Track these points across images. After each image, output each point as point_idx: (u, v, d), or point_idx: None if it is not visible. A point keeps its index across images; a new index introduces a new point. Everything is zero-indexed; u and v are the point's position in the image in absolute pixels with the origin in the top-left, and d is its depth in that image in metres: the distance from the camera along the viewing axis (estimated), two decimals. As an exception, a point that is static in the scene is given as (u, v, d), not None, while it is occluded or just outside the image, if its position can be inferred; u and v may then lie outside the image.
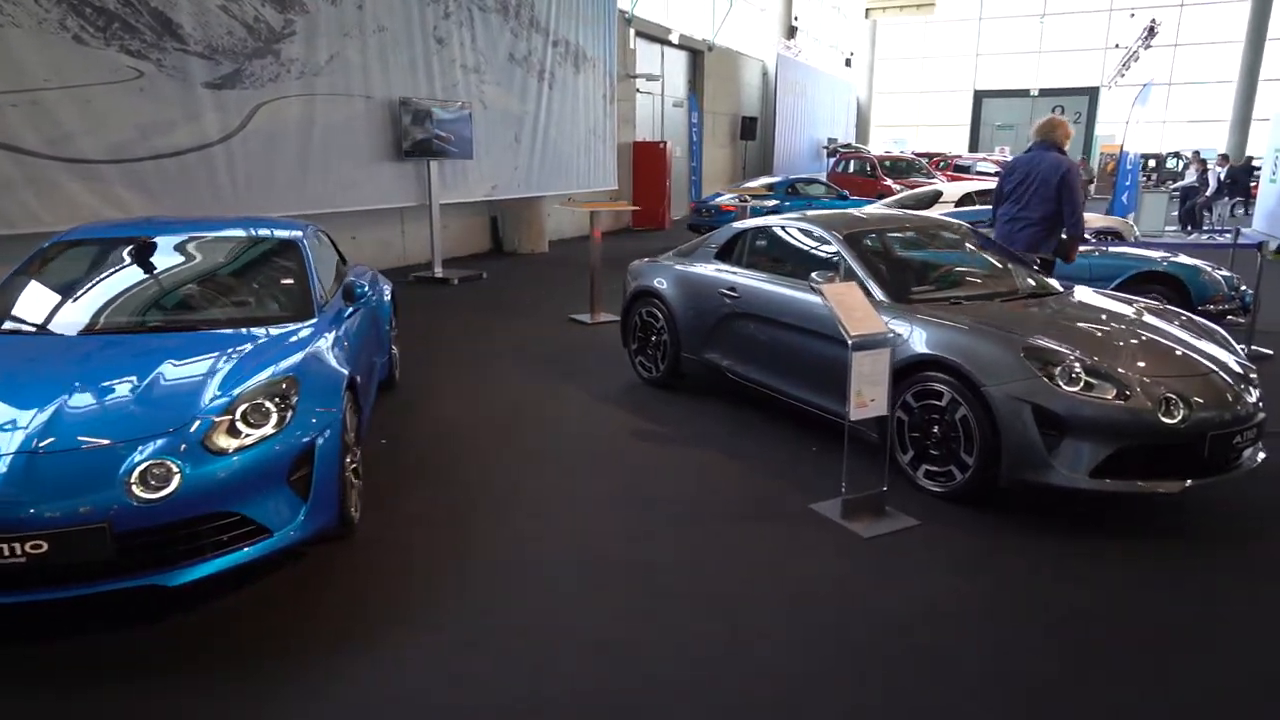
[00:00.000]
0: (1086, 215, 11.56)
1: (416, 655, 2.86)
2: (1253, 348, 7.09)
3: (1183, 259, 7.59)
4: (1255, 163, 20.17)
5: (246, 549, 2.96)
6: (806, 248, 5.15)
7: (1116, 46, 32.82)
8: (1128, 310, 4.58)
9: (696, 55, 22.24)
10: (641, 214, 18.59)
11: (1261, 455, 4.07)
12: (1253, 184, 18.68)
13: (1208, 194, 17.42)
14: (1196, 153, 18.86)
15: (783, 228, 5.36)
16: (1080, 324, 4.30)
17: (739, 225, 5.70)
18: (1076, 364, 3.79)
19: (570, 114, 14.31)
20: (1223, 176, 17.30)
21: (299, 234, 4.40)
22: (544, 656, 2.87)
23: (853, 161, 23.00)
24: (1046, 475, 3.75)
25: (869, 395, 3.83)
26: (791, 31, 27.86)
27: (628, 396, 5.88)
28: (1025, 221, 5.92)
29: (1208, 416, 3.71)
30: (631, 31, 18.14)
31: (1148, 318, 4.47)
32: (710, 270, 5.65)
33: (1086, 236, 8.40)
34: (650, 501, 4.15)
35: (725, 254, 5.68)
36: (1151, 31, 21.17)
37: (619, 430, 5.20)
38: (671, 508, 4.09)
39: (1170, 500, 3.91)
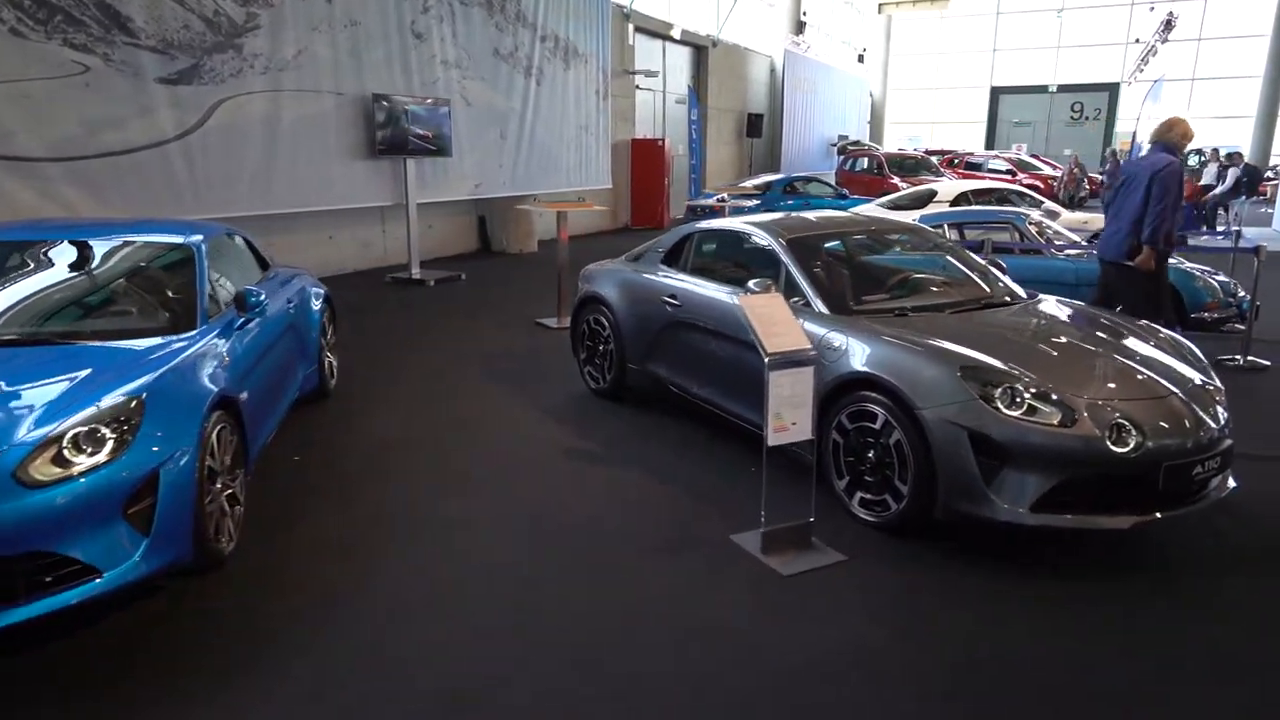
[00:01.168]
0: (1088, 215, 11.13)
1: (254, 712, 2.58)
2: (1249, 358, 6.68)
3: (1179, 263, 7.17)
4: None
5: (68, 592, 2.68)
6: (750, 253, 4.82)
7: (1137, 41, 32.04)
8: (1089, 323, 4.21)
9: (700, 51, 21.86)
10: (640, 212, 18.29)
11: (1231, 484, 3.70)
12: (1261, 183, 18.05)
13: (1216, 192, 16.82)
14: (1215, 150, 18.25)
15: (729, 231, 5.03)
16: (1032, 339, 3.95)
17: (687, 228, 5.38)
18: (1019, 385, 3.43)
19: (560, 111, 14.02)
20: (1240, 174, 16.70)
21: (197, 238, 4.13)
22: (395, 710, 2.58)
23: (861, 160, 22.55)
24: (984, 508, 3.40)
25: (790, 418, 3.50)
26: (800, 27, 27.37)
27: (572, 409, 5.58)
28: (1115, 228, 5.74)
29: (1163, 445, 3.35)
30: (630, 27, 17.80)
31: (1109, 332, 4.09)
32: (655, 276, 5.34)
33: (1078, 240, 8.01)
34: (563, 529, 3.85)
35: (672, 259, 5.36)
36: (1169, 24, 20.52)
37: (553, 447, 4.89)
38: (583, 536, 3.78)
39: (1123, 537, 3.54)
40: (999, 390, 3.42)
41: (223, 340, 3.72)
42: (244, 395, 3.68)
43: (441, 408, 5.63)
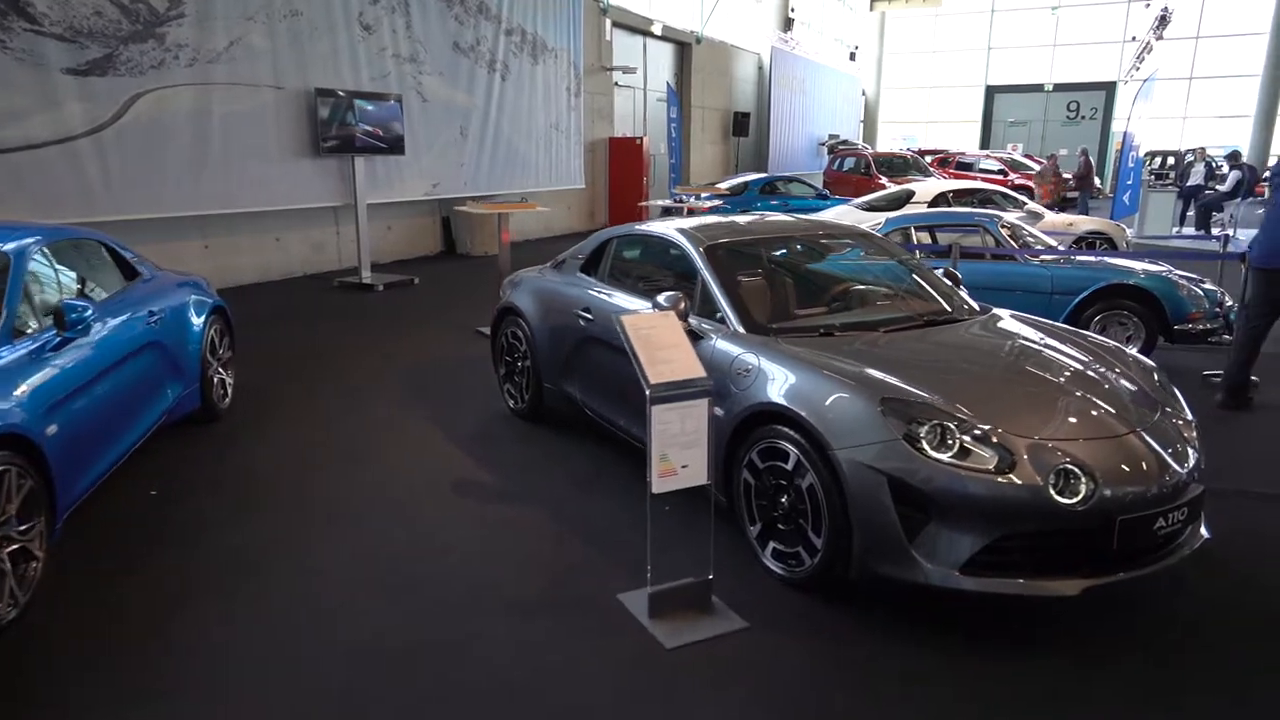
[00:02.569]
0: (1074, 217, 10.60)
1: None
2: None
3: (1161, 271, 6.63)
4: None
5: None
6: (670, 262, 4.28)
7: (1133, 39, 31.49)
8: (1044, 345, 3.67)
9: (683, 48, 21.32)
10: (619, 213, 17.72)
11: (1204, 534, 3.16)
12: (1259, 184, 17.51)
13: (1209, 193, 16.27)
14: (1203, 149, 17.70)
15: (649, 236, 4.48)
16: (974, 364, 3.41)
17: (607, 233, 4.84)
18: (951, 422, 2.90)
19: (527, 108, 13.49)
20: (1241, 174, 16.13)
21: (22, 243, 3.59)
22: None
23: (849, 159, 22.01)
24: (906, 569, 2.86)
25: (679, 460, 2.96)
26: (788, 24, 26.83)
27: (485, 432, 5.05)
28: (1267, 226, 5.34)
29: (1118, 494, 2.81)
30: (607, 22, 17.26)
31: (1066, 355, 3.55)
32: (571, 286, 4.80)
33: (1054, 244, 7.48)
34: (426, 582, 3.31)
35: (590, 267, 4.83)
36: (1164, 20, 19.95)
37: (448, 478, 4.35)
38: (448, 591, 3.24)
39: (1073, 602, 3.00)
40: (925, 428, 2.88)
41: (24, 363, 3.18)
42: (51, 429, 3.14)
43: (341, 430, 5.09)
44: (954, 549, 2.82)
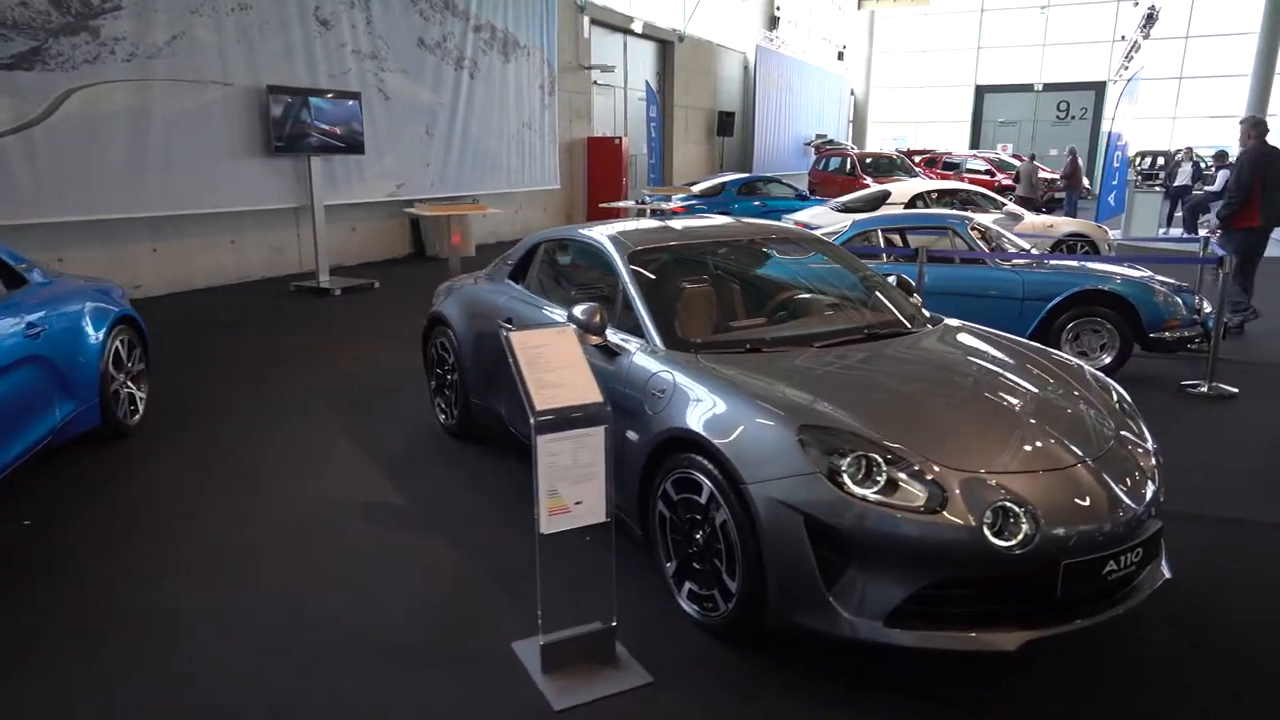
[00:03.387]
0: (1054, 219, 10.27)
1: None
2: (1214, 384, 5.82)
3: (1139, 276, 6.33)
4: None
5: None
6: (596, 268, 3.95)
7: (1122, 39, 31.28)
8: (994, 361, 3.34)
9: (665, 46, 21.00)
10: (597, 214, 17.39)
11: (1165, 574, 2.84)
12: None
13: (1195, 193, 16.01)
14: (1189, 149, 17.43)
15: (577, 241, 4.14)
16: (912, 384, 3.08)
17: (536, 236, 4.50)
18: (876, 453, 2.57)
19: (498, 106, 13.15)
20: (1228, 176, 15.84)
21: None
22: None
23: (834, 159, 21.72)
24: (824, 620, 2.53)
25: (572, 495, 2.63)
26: (774, 22, 26.53)
27: (410, 450, 4.71)
28: None
29: (1061, 536, 2.48)
30: (585, 19, 16.92)
31: (1017, 373, 3.23)
32: (497, 294, 4.48)
33: (1027, 248, 7.18)
34: (305, 627, 2.97)
35: (519, 274, 4.50)
36: (1150, 19, 19.67)
37: (357, 504, 4.01)
38: (329, 639, 2.91)
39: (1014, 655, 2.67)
40: (848, 460, 2.56)
41: None
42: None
43: (256, 447, 4.75)
44: (878, 598, 2.49)
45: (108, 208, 7.82)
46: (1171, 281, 6.43)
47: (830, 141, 26.52)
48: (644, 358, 3.26)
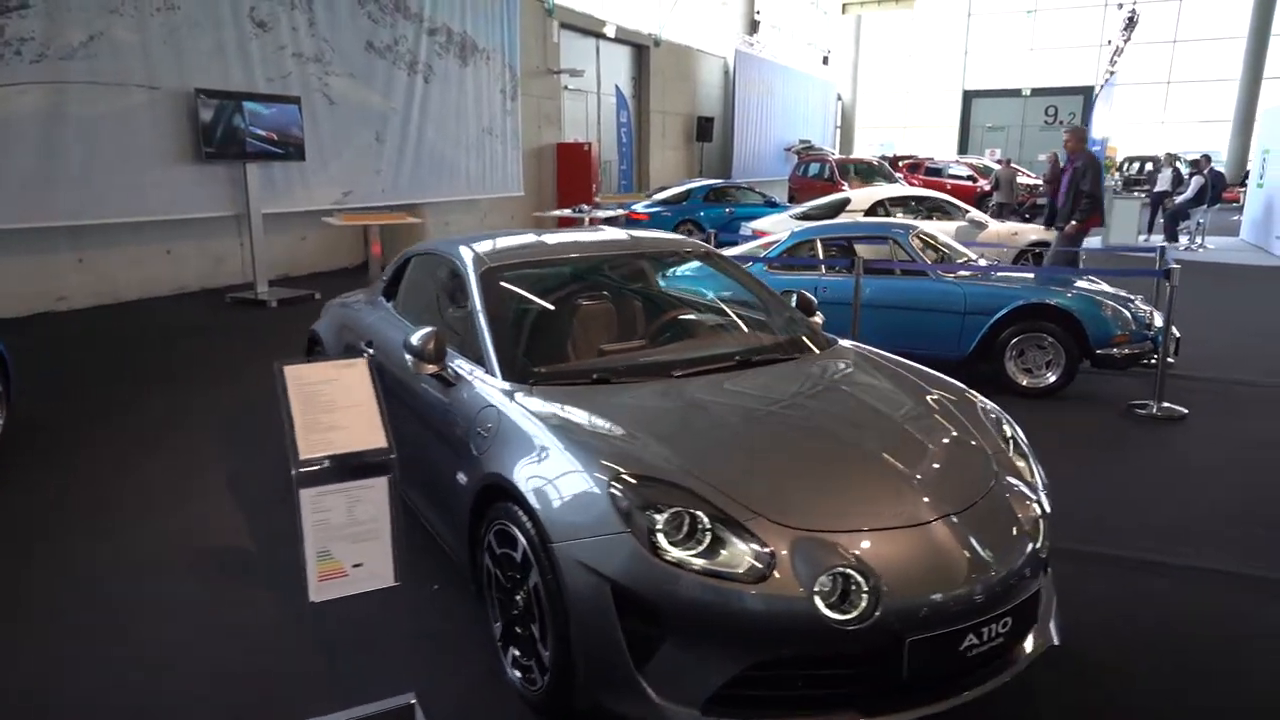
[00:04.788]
0: (1019, 226, 9.92)
1: None
2: (1164, 405, 5.46)
3: (1091, 289, 5.98)
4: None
5: None
6: (455, 286, 3.59)
7: (1109, 43, 31.02)
8: (872, 392, 2.98)
9: (641, 51, 20.68)
10: (567, 221, 17.05)
11: (1053, 640, 2.48)
12: (1228, 189, 16.94)
13: (1179, 199, 15.68)
14: (1170, 155, 17.11)
15: (440, 256, 3.77)
16: (767, 422, 2.72)
17: (409, 250, 4.14)
18: (700, 509, 2.21)
19: (455, 111, 12.80)
20: (1204, 180, 15.54)
21: None
22: None
23: (814, 165, 21.39)
24: (634, 704, 2.17)
25: (350, 557, 2.26)
26: (754, 26, 26.24)
27: (285, 483, 4.32)
28: None
29: (906, 608, 2.12)
30: (554, 23, 16.60)
31: (892, 408, 2.86)
32: (366, 312, 4.13)
33: (975, 257, 6.85)
34: (81, 695, 2.60)
35: (391, 290, 4.14)
36: (1131, 22, 19.41)
37: (198, 544, 3.65)
38: (102, 704, 2.54)
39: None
40: (665, 517, 2.19)
41: None
42: None
43: (116, 480, 4.37)
44: (696, 679, 2.13)
45: (16, 216, 7.46)
46: (1122, 294, 6.08)
47: (811, 147, 26.20)
48: (479, 389, 2.90)
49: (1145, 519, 3.91)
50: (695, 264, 3.89)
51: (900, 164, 24.59)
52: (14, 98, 7.31)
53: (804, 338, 3.43)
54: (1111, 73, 24.31)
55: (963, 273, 6.25)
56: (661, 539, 2.17)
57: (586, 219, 10.23)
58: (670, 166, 22.29)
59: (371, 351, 3.73)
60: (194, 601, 3.21)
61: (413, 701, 2.44)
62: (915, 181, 22.61)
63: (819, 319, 3.80)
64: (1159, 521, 3.88)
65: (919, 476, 2.45)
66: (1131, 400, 5.65)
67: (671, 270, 3.86)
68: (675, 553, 2.15)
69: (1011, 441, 2.87)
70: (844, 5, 30.53)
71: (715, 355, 3.14)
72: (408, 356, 2.99)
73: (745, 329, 3.49)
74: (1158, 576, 3.37)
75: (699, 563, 2.14)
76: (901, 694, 2.16)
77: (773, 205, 14.39)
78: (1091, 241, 15.66)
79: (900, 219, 10.43)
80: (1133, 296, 6.11)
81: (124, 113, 8.22)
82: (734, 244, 7.70)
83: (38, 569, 3.44)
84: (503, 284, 3.28)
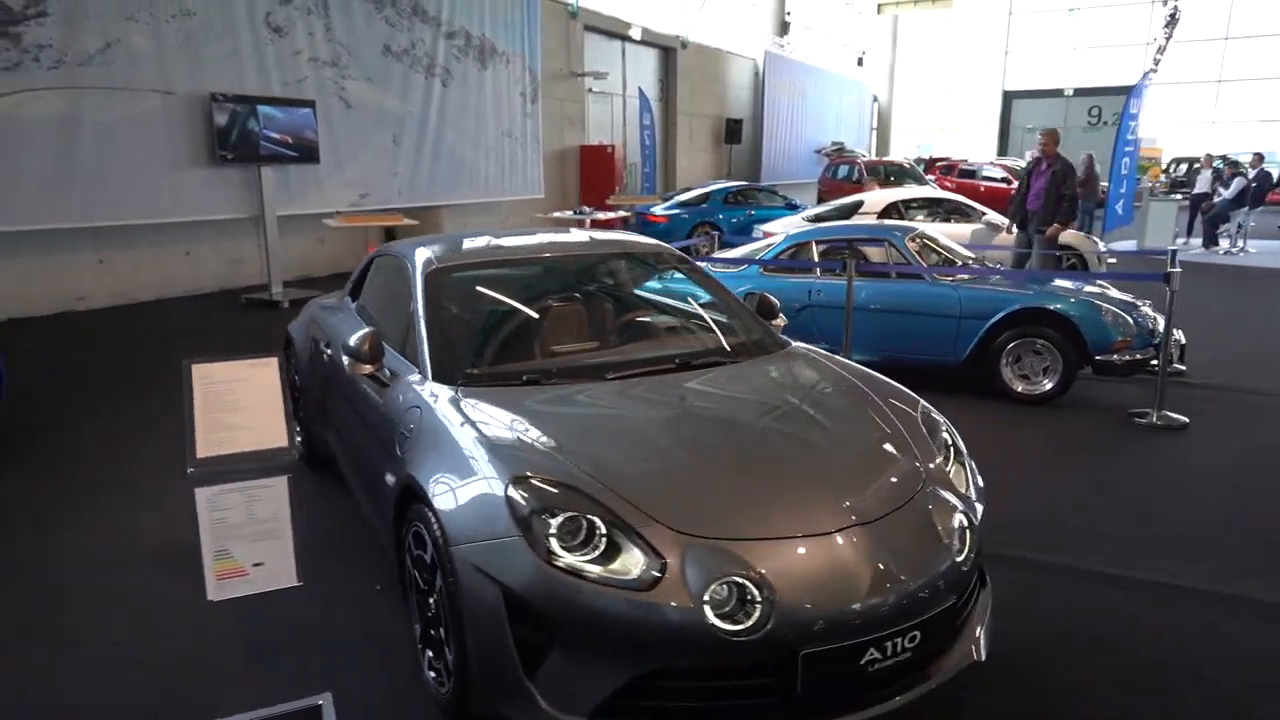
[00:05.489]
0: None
1: None
2: (1163, 414, 5.27)
3: (1090, 291, 5.81)
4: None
5: None
6: (405, 286, 3.58)
7: (1153, 41, 30.20)
8: (807, 395, 2.90)
9: (668, 53, 20.65)
10: (597, 224, 17.07)
11: (979, 656, 2.38)
12: (1273, 191, 16.35)
13: (1218, 201, 15.18)
14: (1209, 156, 16.56)
15: (393, 255, 3.76)
16: (687, 426, 2.65)
17: (376, 251, 4.15)
18: (596, 514, 2.16)
19: (474, 114, 12.89)
20: (1245, 181, 15.01)
21: None
22: None
23: (843, 167, 21.14)
24: (523, 711, 2.13)
25: (249, 556, 2.26)
26: (784, 28, 26.04)
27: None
28: None
29: (798, 619, 2.05)
30: (578, 26, 16.64)
31: (823, 413, 2.78)
32: (331, 313, 4.15)
33: (970, 258, 6.69)
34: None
35: (356, 291, 4.16)
36: (1173, 19, 18.81)
37: (151, 546, 3.69)
38: (25, 702, 2.57)
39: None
40: (558, 522, 2.15)
41: None
42: None
43: (85, 481, 4.45)
44: (584, 688, 2.09)
45: (32, 218, 7.68)
46: (1128, 299, 5.88)
47: (839, 149, 25.91)
48: (410, 389, 2.89)
49: (1122, 531, 3.76)
50: (654, 266, 3.84)
51: (934, 166, 24.24)
52: (32, 103, 7.52)
53: (752, 341, 3.35)
54: (1154, 70, 23.60)
55: (960, 276, 6.09)
56: (555, 544, 2.13)
57: (588, 220, 10.21)
58: (698, 169, 22.21)
59: (329, 352, 3.75)
60: (138, 598, 3.24)
61: (320, 703, 2.43)
62: (949, 184, 22.24)
63: (780, 322, 3.74)
64: (1135, 535, 3.73)
65: (833, 485, 2.38)
66: (1131, 409, 5.45)
67: (628, 272, 3.81)
68: (569, 558, 2.11)
69: (952, 450, 2.77)
70: (879, 5, 30.15)
71: (654, 358, 3.08)
72: (344, 357, 2.99)
73: (693, 332, 3.44)
74: (1120, 590, 3.23)
75: (592, 569, 2.09)
76: (798, 708, 2.09)
77: (793, 208, 14.23)
78: (1125, 244, 15.25)
79: (920, 221, 10.26)
80: (1140, 301, 5.91)
81: (140, 117, 8.41)
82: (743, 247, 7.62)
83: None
84: (446, 285, 3.27)
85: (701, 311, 3.56)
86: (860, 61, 32.27)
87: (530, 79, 14.08)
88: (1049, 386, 5.58)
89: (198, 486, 2.18)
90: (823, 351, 3.40)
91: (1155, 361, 5.44)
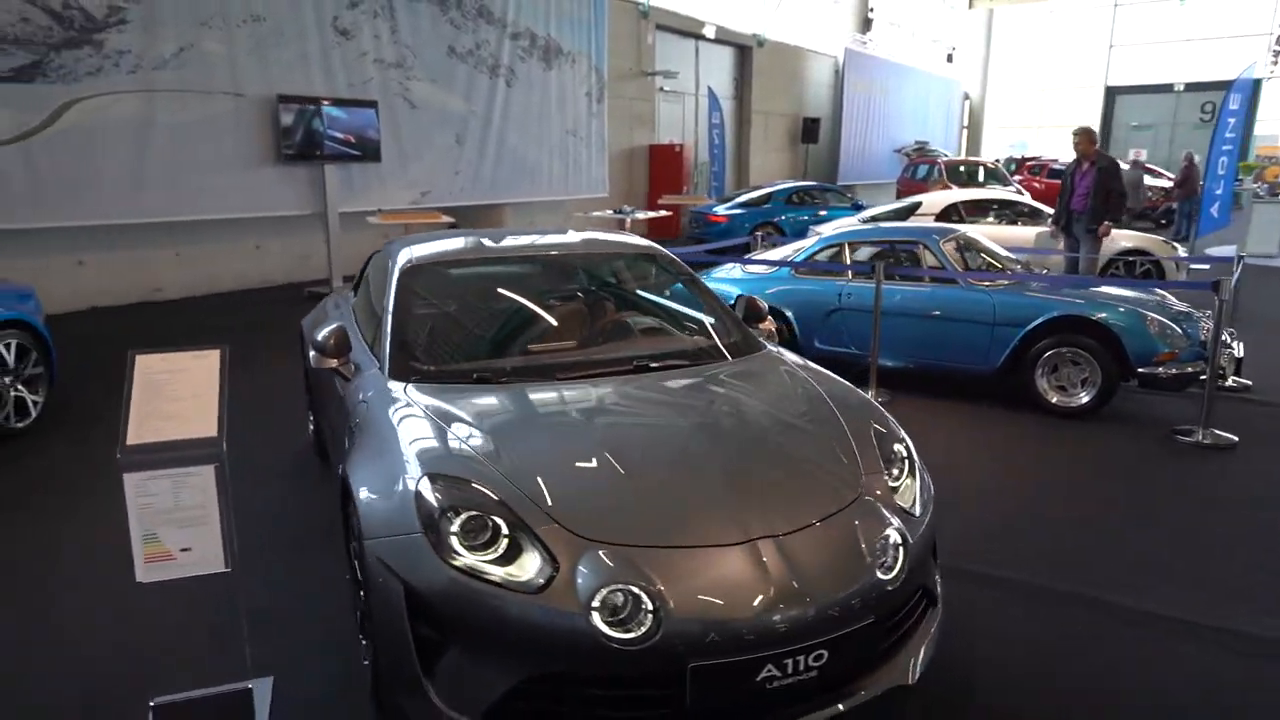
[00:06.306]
0: (1113, 232, 9.14)
1: None
2: (1209, 431, 4.91)
3: (1139, 299, 5.48)
4: None
5: None
6: (385, 283, 3.65)
7: (1273, 33, 28.20)
8: (754, 403, 2.81)
9: (743, 51, 20.45)
10: (655, 222, 17.05)
11: (908, 680, 2.27)
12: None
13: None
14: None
15: (386, 252, 3.83)
16: (619, 428, 2.61)
17: (378, 248, 4.25)
18: (499, 515, 2.16)
19: (538, 114, 13.06)
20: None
21: None
22: None
23: (922, 167, 20.52)
24: (419, 707, 2.15)
25: (176, 541, 2.34)
26: (867, 24, 25.42)
27: (268, 468, 4.55)
28: None
29: (691, 631, 1.99)
30: (650, 25, 16.66)
31: (766, 421, 2.69)
32: (335, 306, 4.29)
33: (1019, 263, 6.39)
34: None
35: (358, 284, 4.27)
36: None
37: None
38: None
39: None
40: (462, 519, 2.16)
41: None
42: None
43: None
44: (477, 688, 2.08)
45: (111, 212, 8.16)
46: (1182, 308, 5.52)
47: (921, 149, 25.14)
48: (366, 383, 2.95)
49: (1118, 555, 3.52)
50: (639, 268, 3.81)
51: (1024, 165, 23.27)
52: (112, 105, 8.01)
53: (723, 344, 3.28)
54: (1276, 62, 21.98)
55: (1002, 280, 5.82)
56: (457, 543, 2.13)
57: (628, 220, 10.19)
58: (772, 168, 21.92)
59: (321, 346, 3.85)
60: (109, 584, 3.38)
61: (250, 686, 2.50)
62: (1038, 184, 21.37)
63: (768, 324, 3.65)
64: (1132, 559, 3.48)
65: (751, 496, 2.30)
66: (1177, 426, 5.10)
67: (609, 274, 3.79)
68: (469, 558, 2.11)
69: (907, 463, 2.65)
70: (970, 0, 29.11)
71: (609, 360, 3.05)
72: (311, 351, 3.07)
73: (661, 334, 3.39)
74: (1105, 616, 3.02)
75: (491, 570, 2.09)
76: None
77: (859, 209, 13.89)
78: (1223, 250, 14.27)
79: (988, 223, 9.85)
80: (1197, 311, 5.53)
81: (211, 118, 8.85)
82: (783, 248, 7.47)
83: (21, 530, 3.76)
84: (420, 282, 3.32)
85: (676, 314, 3.51)
86: (950, 58, 31.24)
87: (596, 78, 14.17)
88: (1085, 399, 5.28)
89: (125, 472, 2.28)
90: (794, 357, 3.30)
91: (1204, 376, 5.08)
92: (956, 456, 4.74)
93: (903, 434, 2.77)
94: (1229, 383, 5.88)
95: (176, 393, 2.41)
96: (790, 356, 3.30)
